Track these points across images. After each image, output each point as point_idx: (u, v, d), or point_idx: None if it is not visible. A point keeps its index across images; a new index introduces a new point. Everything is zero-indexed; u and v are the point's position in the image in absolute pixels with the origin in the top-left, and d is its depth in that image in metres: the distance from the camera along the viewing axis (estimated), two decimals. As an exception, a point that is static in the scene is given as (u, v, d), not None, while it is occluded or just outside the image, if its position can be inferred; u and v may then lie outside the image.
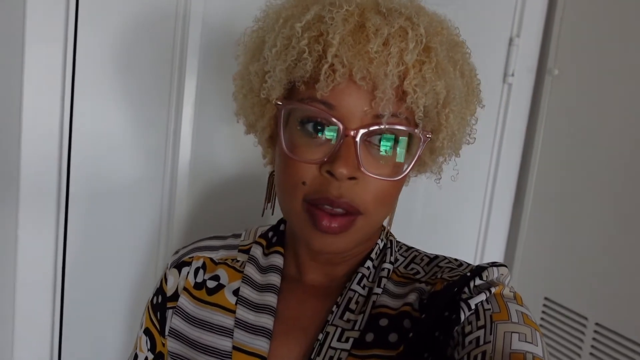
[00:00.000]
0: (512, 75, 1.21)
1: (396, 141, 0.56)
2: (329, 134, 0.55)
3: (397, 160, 0.57)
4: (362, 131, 0.54)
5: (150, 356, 0.71)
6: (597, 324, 1.10)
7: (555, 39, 1.22)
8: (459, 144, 0.63)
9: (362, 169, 0.54)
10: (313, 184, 0.56)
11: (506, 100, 1.21)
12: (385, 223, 0.69)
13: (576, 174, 1.16)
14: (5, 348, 0.89)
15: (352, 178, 0.54)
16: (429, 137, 0.58)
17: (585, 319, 1.12)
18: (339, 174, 0.53)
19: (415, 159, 0.58)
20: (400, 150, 0.57)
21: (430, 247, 0.73)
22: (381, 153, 0.56)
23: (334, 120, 0.54)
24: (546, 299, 1.21)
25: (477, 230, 1.25)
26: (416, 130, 0.56)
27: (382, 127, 0.54)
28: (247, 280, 0.66)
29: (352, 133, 0.54)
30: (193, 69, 0.92)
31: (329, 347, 0.59)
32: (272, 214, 0.71)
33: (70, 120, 0.87)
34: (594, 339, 1.10)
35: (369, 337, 0.59)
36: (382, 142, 0.56)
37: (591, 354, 1.11)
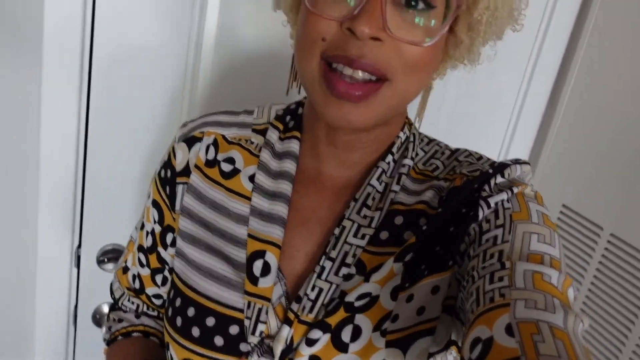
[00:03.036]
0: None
1: (429, 5, 0.51)
2: None
3: (429, 25, 0.52)
4: None
5: (158, 228, 0.70)
6: (612, 234, 1.09)
7: None
8: (501, 23, 0.57)
9: (388, 30, 0.50)
10: (333, 41, 0.51)
11: (553, 5, 1.13)
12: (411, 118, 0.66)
13: (614, 83, 1.10)
14: (30, 199, 0.93)
15: (375, 39, 0.50)
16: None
17: (601, 228, 1.11)
18: (359, 32, 0.48)
19: (448, 23, 0.52)
20: (432, 15, 0.52)
21: (454, 140, 0.71)
22: (410, 14, 0.51)
23: None
24: (564, 205, 1.19)
25: (505, 127, 1.21)
26: None
27: None
28: (263, 167, 0.64)
29: None
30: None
31: (345, 241, 0.58)
32: (299, 92, 0.66)
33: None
34: (606, 249, 1.10)
35: (384, 234, 0.59)
36: (412, 2, 0.51)
37: (600, 262, 1.11)
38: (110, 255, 1.02)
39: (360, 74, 0.51)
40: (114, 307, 0.80)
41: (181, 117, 0.98)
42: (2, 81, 0.85)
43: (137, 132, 0.96)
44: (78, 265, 1.01)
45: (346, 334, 0.55)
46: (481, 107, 1.18)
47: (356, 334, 0.55)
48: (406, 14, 0.51)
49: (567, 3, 1.14)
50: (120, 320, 0.76)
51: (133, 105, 0.94)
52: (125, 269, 0.76)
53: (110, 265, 1.02)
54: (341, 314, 0.56)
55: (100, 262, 1.01)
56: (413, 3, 0.51)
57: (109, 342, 0.75)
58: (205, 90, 0.96)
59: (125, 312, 0.78)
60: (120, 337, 0.74)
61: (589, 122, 1.15)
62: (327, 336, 0.56)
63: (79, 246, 1.00)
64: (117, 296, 0.78)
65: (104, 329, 0.78)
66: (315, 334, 0.56)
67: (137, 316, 0.76)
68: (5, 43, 0.84)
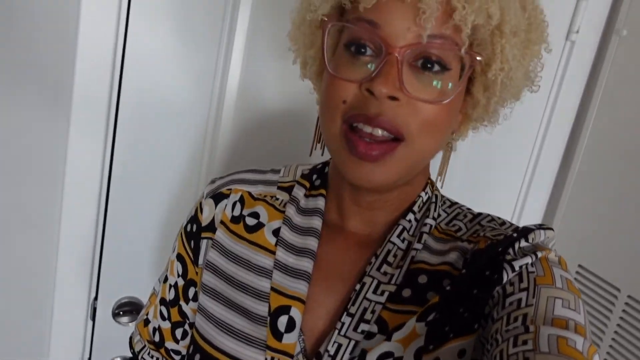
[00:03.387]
0: (577, 32, 1.14)
1: (444, 67, 0.54)
2: (372, 53, 0.54)
3: (445, 86, 0.55)
4: (404, 49, 0.52)
5: (181, 282, 0.71)
6: (629, 296, 1.07)
7: (629, -4, 1.14)
8: (516, 84, 0.59)
9: (404, 89, 0.52)
10: (353, 102, 0.54)
11: (567, 58, 1.15)
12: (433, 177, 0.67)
13: (629, 143, 1.11)
14: (51, 249, 0.95)
15: (393, 98, 0.53)
16: (478, 60, 0.55)
17: (618, 290, 1.10)
18: (377, 92, 0.52)
19: (462, 84, 0.55)
20: (448, 77, 0.55)
21: (467, 196, 0.71)
22: (426, 76, 0.54)
23: (377, 39, 0.53)
24: (580, 266, 1.18)
25: (519, 184, 1.22)
26: (462, 51, 0.53)
27: (423, 41, 0.52)
28: (288, 222, 0.66)
29: (395, 52, 0.52)
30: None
31: (364, 297, 0.59)
32: (322, 154, 0.69)
33: (124, 37, 0.89)
34: (624, 311, 1.08)
35: (406, 292, 0.59)
36: (427, 65, 0.54)
37: (619, 325, 1.09)
38: (127, 308, 1.02)
39: (379, 132, 0.53)
40: None
41: (200, 172, 1.00)
42: (31, 130, 0.89)
43: (157, 186, 0.99)
44: (93, 318, 1.02)
45: None
46: (495, 164, 1.19)
47: None
48: (422, 76, 0.54)
49: (580, 61, 1.17)
50: None
51: (155, 160, 0.97)
52: (147, 322, 0.76)
53: (125, 319, 1.02)
54: None
55: (115, 315, 1.02)
56: (429, 65, 0.54)
57: None
58: (225, 147, 0.99)
59: None
60: None
61: (605, 181, 1.16)
62: None
63: (96, 298, 1.01)
64: (137, 349, 0.78)
65: None
66: None
67: None
68: (38, 91, 0.88)
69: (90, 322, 1.02)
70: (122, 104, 0.92)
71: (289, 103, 1.01)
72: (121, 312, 1.02)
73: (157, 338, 0.75)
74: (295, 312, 0.60)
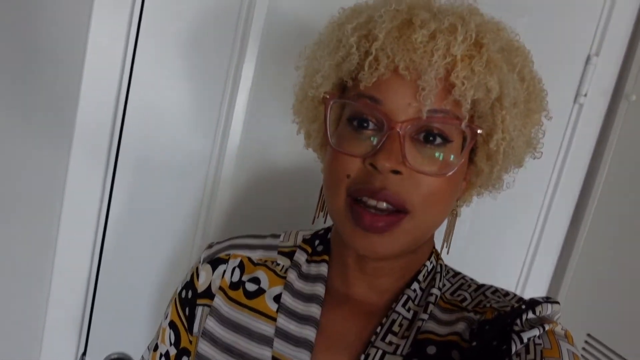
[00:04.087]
0: (585, 95, 1.13)
1: (446, 140, 0.55)
2: (375, 127, 0.55)
3: (447, 158, 0.55)
4: (406, 124, 0.53)
5: (173, 351, 0.69)
6: (640, 370, 1.03)
7: (637, 61, 1.13)
8: (519, 152, 0.60)
9: (407, 163, 0.53)
10: (357, 177, 0.55)
11: (575, 122, 1.14)
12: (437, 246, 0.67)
13: (637, 211, 1.08)
14: (40, 304, 0.93)
15: (396, 172, 0.53)
16: (479, 133, 0.56)
17: (628, 362, 1.05)
18: (380, 166, 0.52)
19: (464, 156, 0.56)
20: (449, 149, 0.55)
21: (473, 263, 0.70)
22: (428, 149, 0.55)
23: (378, 114, 0.54)
24: (588, 335, 1.14)
25: (524, 252, 1.19)
26: (462, 125, 0.54)
27: (423, 117, 0.53)
28: (289, 288, 0.65)
29: (397, 127, 0.53)
30: (252, 56, 0.92)
31: None
32: (325, 222, 0.69)
33: (127, 89, 0.89)
34: (633, 384, 1.04)
35: None
36: (429, 137, 0.54)
37: (629, 400, 1.04)
38: (115, 364, 0.99)
39: (384, 205, 0.54)
40: None
41: (197, 230, 0.98)
42: (28, 171, 0.88)
43: (152, 242, 0.97)
44: (81, 373, 0.98)
45: None
46: (500, 230, 1.16)
47: None
48: (424, 148, 0.55)
49: (588, 125, 1.15)
50: None
51: (151, 215, 0.95)
52: None
53: (113, 375, 0.99)
54: None
55: (103, 371, 0.98)
56: (431, 138, 0.55)
57: None
58: (224, 206, 0.97)
59: None
60: None
61: (614, 248, 1.13)
62: None
63: (84, 353, 0.97)
64: None
65: None
66: None
67: None
68: (40, 132, 0.87)
69: (77, 377, 0.99)
70: (121, 155, 0.91)
71: (291, 165, 1.00)
72: (110, 369, 0.98)
73: None
74: None
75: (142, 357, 0.75)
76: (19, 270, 0.91)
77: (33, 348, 0.94)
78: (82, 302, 0.95)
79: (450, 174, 0.55)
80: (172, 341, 0.69)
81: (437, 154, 0.55)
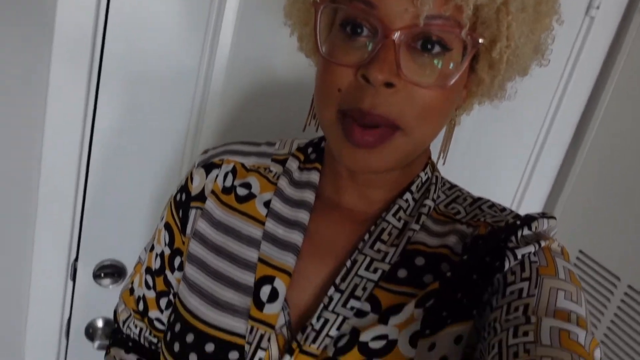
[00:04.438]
0: (597, 8, 1.08)
1: (445, 48, 0.50)
2: (369, 33, 0.51)
3: (446, 67, 0.51)
4: (402, 32, 0.48)
5: (167, 251, 0.70)
6: (629, 286, 1.04)
7: (655, -27, 1.07)
8: (524, 60, 0.55)
9: (402, 74, 0.49)
10: (348, 91, 0.52)
11: (584, 35, 1.09)
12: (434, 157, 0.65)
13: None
14: (29, 206, 0.91)
15: (389, 85, 0.49)
16: (480, 43, 0.51)
17: (618, 279, 1.07)
18: (373, 78, 0.48)
19: (464, 66, 0.51)
20: (449, 57, 0.51)
21: (468, 178, 0.69)
22: (426, 58, 0.50)
23: (373, 20, 0.49)
24: (581, 252, 1.15)
25: (523, 167, 1.18)
26: (462, 33, 0.50)
27: (420, 24, 0.48)
28: (280, 194, 0.64)
29: (392, 35, 0.48)
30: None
31: (356, 274, 0.57)
32: (317, 130, 0.66)
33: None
34: (622, 300, 1.06)
35: (402, 273, 0.57)
36: (427, 45, 0.50)
37: (616, 314, 1.06)
38: (108, 270, 0.99)
39: (373, 124, 0.51)
40: (115, 336, 0.78)
41: (186, 142, 0.95)
42: (10, 75, 0.83)
43: (142, 152, 0.94)
44: (74, 278, 0.98)
45: None
46: (499, 145, 1.14)
47: None
48: (421, 57, 0.50)
49: (598, 39, 1.11)
50: None
51: (140, 127, 0.92)
52: (132, 291, 0.75)
53: (107, 281, 0.99)
54: (356, 356, 0.54)
55: (96, 277, 0.98)
56: (429, 46, 0.50)
57: None
58: (214, 119, 0.94)
59: (127, 349, 0.76)
60: None
61: (613, 167, 1.12)
62: None
63: (76, 259, 0.97)
64: (122, 319, 0.77)
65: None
66: None
67: None
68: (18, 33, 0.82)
69: (70, 283, 0.99)
70: (104, 69, 0.86)
71: (283, 74, 0.95)
72: (102, 274, 0.99)
73: (141, 307, 0.74)
74: (279, 284, 0.59)
75: (139, 257, 0.77)
76: (3, 176, 0.88)
77: (26, 249, 0.94)
78: (72, 209, 0.93)
79: (449, 84, 0.51)
80: (167, 242, 0.70)
81: (435, 62, 0.50)
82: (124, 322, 0.76)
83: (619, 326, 1.06)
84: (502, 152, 1.15)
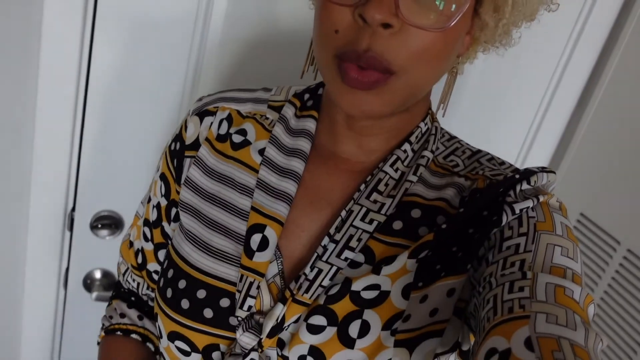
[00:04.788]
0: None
1: None
2: None
3: (448, 8, 0.48)
4: None
5: (164, 202, 0.69)
6: (629, 250, 1.04)
7: None
8: (531, 4, 0.53)
9: (400, 14, 0.46)
10: (345, 33, 0.49)
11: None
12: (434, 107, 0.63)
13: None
14: (25, 155, 0.90)
15: (387, 26, 0.47)
16: None
17: (618, 242, 1.06)
18: (370, 18, 0.46)
19: (466, 6, 0.49)
20: None
21: (469, 135, 0.67)
22: None
23: None
24: (582, 214, 1.14)
25: (527, 126, 1.15)
26: None
27: None
28: (274, 141, 0.63)
29: None
30: None
31: (351, 225, 0.57)
32: (315, 78, 0.64)
33: None
34: (620, 264, 1.05)
35: (397, 224, 0.57)
36: None
37: (613, 278, 1.06)
38: (105, 221, 0.99)
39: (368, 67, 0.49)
40: (118, 288, 0.78)
41: (184, 92, 0.93)
42: (3, 23, 0.81)
43: (137, 103, 0.92)
44: (71, 229, 0.98)
45: (354, 329, 0.54)
46: (503, 102, 1.11)
47: (364, 330, 0.54)
48: None
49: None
50: (122, 315, 0.74)
51: (137, 64, 0.90)
52: (130, 244, 0.75)
53: (104, 232, 0.99)
54: (348, 305, 0.54)
55: (93, 228, 0.98)
56: None
57: (107, 331, 0.74)
58: (211, 66, 0.92)
59: (129, 304, 0.76)
60: (119, 333, 0.73)
61: (618, 131, 1.09)
62: (334, 329, 0.54)
63: (73, 209, 0.97)
64: (121, 271, 0.77)
65: (103, 313, 0.76)
66: (318, 320, 0.54)
67: (140, 317, 0.75)
68: None
69: (67, 233, 0.99)
70: (98, 15, 0.84)
71: (283, 24, 0.92)
72: (100, 225, 0.98)
73: (139, 260, 0.73)
74: (270, 232, 0.58)
75: (137, 211, 0.76)
76: (2, 124, 0.87)
77: (22, 198, 0.93)
78: (68, 160, 0.92)
79: (450, 25, 0.48)
80: (163, 192, 0.69)
81: (437, 2, 0.48)
82: (123, 275, 0.76)
83: (616, 290, 1.05)
84: (506, 111, 1.13)
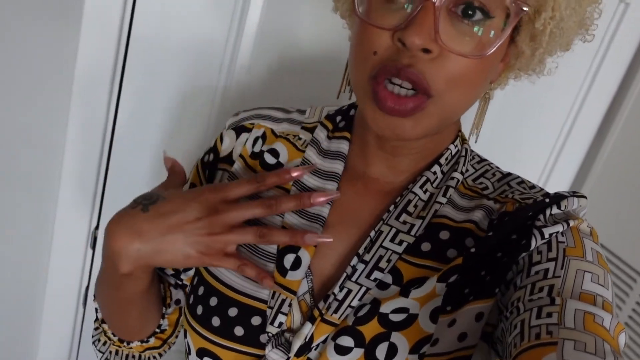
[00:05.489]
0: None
1: (487, 15, 0.49)
2: None
3: (486, 35, 0.49)
4: None
5: None
6: (649, 281, 1.03)
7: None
8: (568, 34, 0.53)
9: (439, 40, 0.47)
10: (384, 55, 0.50)
11: (618, 22, 1.06)
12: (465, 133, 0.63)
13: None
14: (53, 174, 0.92)
15: (426, 51, 0.48)
16: (524, 11, 0.49)
17: (638, 273, 1.05)
18: (410, 43, 0.47)
19: (505, 34, 0.50)
20: (490, 25, 0.49)
21: (493, 152, 0.67)
22: (466, 25, 0.49)
23: None
24: (601, 245, 1.13)
25: (546, 156, 1.15)
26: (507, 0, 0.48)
27: None
28: (306, 163, 0.64)
29: None
30: None
31: (380, 245, 0.57)
32: (350, 98, 0.65)
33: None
34: (641, 295, 1.04)
35: (425, 246, 0.57)
36: (468, 11, 0.48)
37: (634, 309, 1.05)
38: (127, 240, 0.99)
39: (409, 86, 0.49)
40: None
41: (211, 112, 0.95)
42: (35, 37, 0.84)
43: (164, 120, 0.94)
44: (94, 247, 0.99)
45: (381, 352, 0.53)
46: (526, 125, 1.11)
47: (391, 353, 0.53)
48: (461, 24, 0.49)
49: (631, 25, 1.07)
50: None
51: (164, 96, 0.92)
52: None
53: (126, 250, 0.99)
54: (376, 327, 0.54)
55: (116, 246, 0.99)
56: (470, 12, 0.48)
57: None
58: (241, 86, 0.93)
59: None
60: None
61: (639, 160, 1.09)
62: (361, 351, 0.54)
63: (97, 227, 0.98)
64: None
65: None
66: (346, 341, 0.54)
67: None
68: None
69: (90, 251, 1.00)
70: (133, 34, 0.86)
71: (310, 48, 0.94)
72: (122, 244, 0.99)
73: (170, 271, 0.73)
74: (304, 253, 0.59)
75: None
76: (33, 144, 0.89)
77: (48, 217, 0.95)
78: (95, 177, 0.94)
79: (487, 53, 0.49)
80: None
81: (475, 29, 0.49)
82: None
83: (637, 322, 1.04)
84: (526, 137, 1.13)
